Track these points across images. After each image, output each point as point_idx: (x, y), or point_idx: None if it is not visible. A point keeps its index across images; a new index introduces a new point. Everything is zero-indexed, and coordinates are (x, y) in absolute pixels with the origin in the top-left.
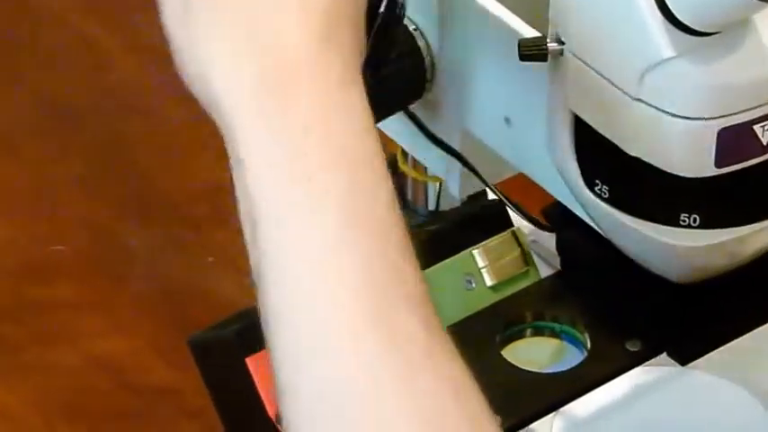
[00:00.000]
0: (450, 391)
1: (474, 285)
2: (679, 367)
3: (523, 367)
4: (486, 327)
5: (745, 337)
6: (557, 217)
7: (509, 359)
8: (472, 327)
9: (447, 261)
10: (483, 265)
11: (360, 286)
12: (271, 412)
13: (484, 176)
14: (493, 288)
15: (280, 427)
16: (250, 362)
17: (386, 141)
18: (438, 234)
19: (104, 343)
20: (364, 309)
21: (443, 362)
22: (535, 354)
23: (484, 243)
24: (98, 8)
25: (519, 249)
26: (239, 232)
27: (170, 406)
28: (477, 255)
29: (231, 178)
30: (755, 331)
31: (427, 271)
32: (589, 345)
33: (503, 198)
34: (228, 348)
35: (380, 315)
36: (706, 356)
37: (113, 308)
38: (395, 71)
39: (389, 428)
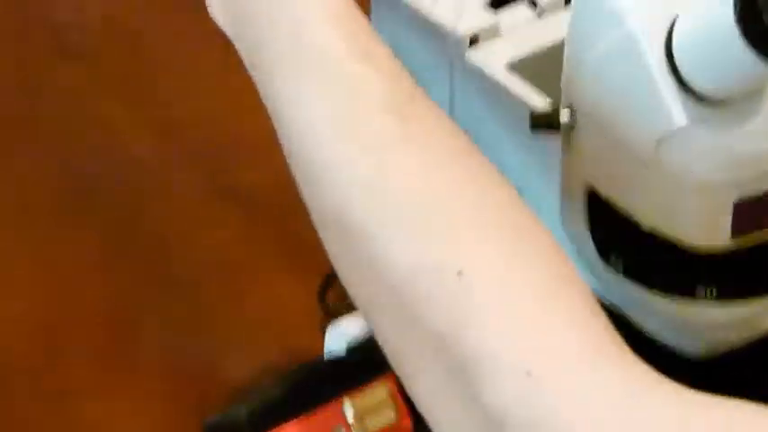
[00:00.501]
0: None
1: None
2: None
3: None
4: None
5: None
6: None
7: None
8: None
9: None
10: None
11: None
12: None
13: None
14: None
15: None
16: None
17: None
18: None
19: (117, 427)
20: None
21: None
22: None
23: None
24: (112, 86)
25: None
26: (249, 312)
27: None
28: None
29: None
30: None
31: None
32: None
33: None
34: (240, 430)
35: None
36: None
37: (122, 393)
38: None
39: None
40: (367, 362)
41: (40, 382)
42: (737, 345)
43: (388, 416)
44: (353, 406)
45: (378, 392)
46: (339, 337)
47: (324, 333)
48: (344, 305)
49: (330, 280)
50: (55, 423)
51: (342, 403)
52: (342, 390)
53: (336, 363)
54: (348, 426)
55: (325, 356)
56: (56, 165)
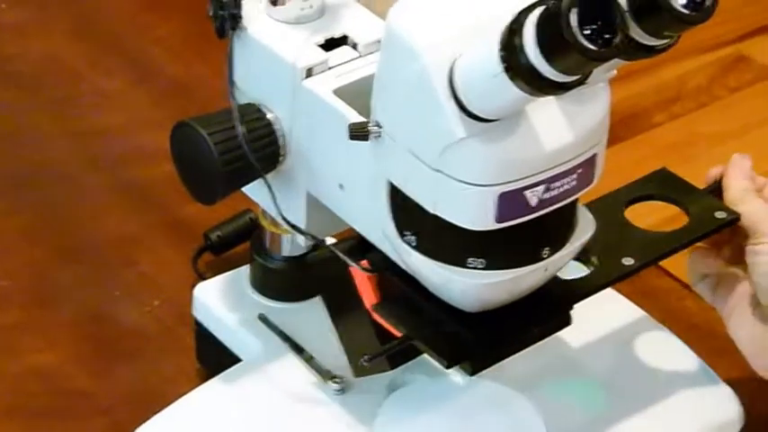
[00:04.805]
0: None
1: None
2: (468, 377)
3: None
4: None
5: (521, 353)
6: (378, 262)
7: None
8: None
9: None
10: None
11: None
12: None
13: (328, 229)
14: None
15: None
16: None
17: (251, 203)
18: None
19: (39, 356)
20: None
21: None
22: None
23: None
24: (43, 102)
25: None
26: (140, 274)
27: (86, 405)
28: None
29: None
30: (528, 349)
31: None
32: None
33: (335, 249)
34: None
35: None
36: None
37: (46, 329)
38: (257, 147)
39: None
40: None
41: None
42: (502, 303)
43: None
44: None
45: None
46: (204, 293)
47: (192, 289)
48: (210, 270)
49: (201, 250)
50: None
51: None
52: None
53: None
54: None
55: (193, 312)
56: None
